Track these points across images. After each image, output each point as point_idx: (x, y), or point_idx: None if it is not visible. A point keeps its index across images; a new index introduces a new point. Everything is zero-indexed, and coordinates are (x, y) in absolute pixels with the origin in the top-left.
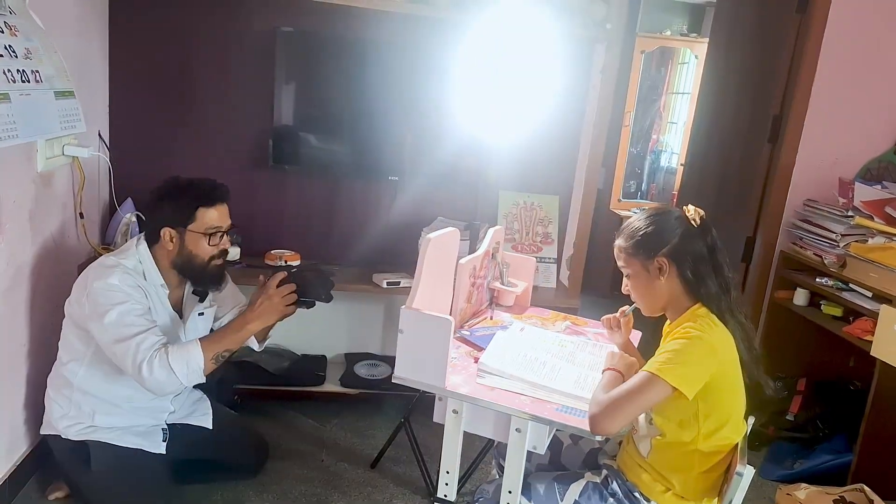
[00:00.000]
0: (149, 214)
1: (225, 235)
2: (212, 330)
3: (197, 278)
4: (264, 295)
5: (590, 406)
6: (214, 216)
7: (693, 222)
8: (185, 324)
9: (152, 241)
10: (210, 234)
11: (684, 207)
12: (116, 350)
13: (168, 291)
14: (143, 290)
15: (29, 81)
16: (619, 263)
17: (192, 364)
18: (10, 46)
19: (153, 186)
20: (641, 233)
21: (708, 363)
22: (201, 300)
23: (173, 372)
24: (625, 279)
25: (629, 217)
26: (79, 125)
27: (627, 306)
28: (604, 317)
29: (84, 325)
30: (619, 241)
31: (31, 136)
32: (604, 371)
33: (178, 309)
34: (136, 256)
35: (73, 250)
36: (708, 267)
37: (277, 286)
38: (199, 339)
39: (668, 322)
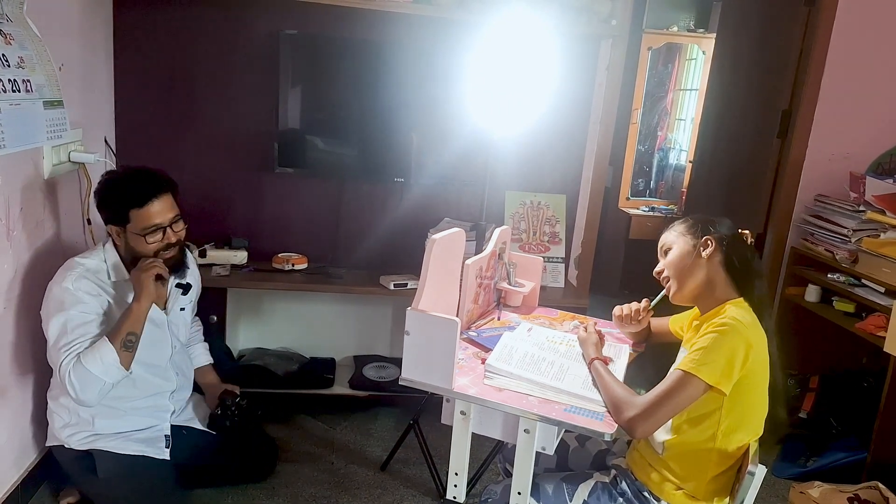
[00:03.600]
0: (99, 213)
1: (168, 229)
2: None
3: None
4: (135, 271)
5: (621, 409)
6: (148, 215)
7: (743, 235)
8: (168, 317)
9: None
10: (147, 234)
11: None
12: (52, 356)
13: None
14: (104, 290)
15: (20, 91)
16: (665, 241)
17: (105, 359)
18: (3, 56)
19: None
20: (699, 217)
21: (741, 355)
22: (184, 293)
23: (90, 372)
24: (661, 261)
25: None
26: (65, 135)
27: (648, 301)
28: (618, 309)
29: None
30: (674, 225)
31: (18, 146)
32: (591, 362)
33: (161, 303)
34: (101, 255)
35: None
36: (752, 270)
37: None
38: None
39: (695, 313)
